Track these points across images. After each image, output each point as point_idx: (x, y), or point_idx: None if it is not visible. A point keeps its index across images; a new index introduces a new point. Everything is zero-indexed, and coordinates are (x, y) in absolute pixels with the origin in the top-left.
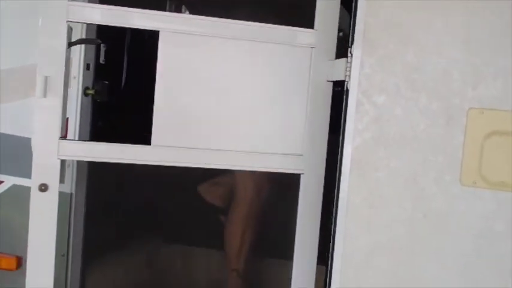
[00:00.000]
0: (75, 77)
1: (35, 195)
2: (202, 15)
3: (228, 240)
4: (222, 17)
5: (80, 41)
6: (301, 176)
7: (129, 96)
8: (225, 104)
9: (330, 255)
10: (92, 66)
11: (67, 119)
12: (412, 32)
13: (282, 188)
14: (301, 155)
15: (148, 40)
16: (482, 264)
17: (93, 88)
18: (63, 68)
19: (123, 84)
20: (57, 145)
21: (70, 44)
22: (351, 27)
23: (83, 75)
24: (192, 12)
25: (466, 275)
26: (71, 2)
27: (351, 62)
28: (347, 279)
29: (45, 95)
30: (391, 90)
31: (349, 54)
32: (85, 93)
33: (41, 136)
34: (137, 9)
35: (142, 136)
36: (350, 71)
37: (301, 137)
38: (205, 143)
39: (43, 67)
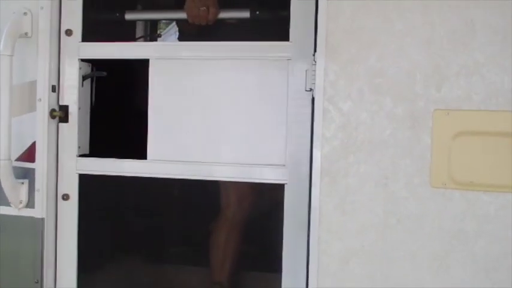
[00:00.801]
0: (40, 99)
1: (60, 203)
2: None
3: (212, 252)
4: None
5: (90, 75)
6: (285, 185)
7: (97, 117)
8: (211, 119)
9: (305, 264)
10: (57, 88)
11: (34, 142)
12: (373, 35)
13: (267, 199)
14: (284, 165)
15: (115, 62)
16: (456, 265)
17: (59, 110)
18: (78, 98)
19: (91, 105)
20: (75, 161)
21: (84, 78)
22: (314, 34)
23: (49, 97)
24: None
25: (441, 276)
26: (81, 43)
27: (315, 70)
28: (324, 287)
29: (67, 121)
30: (356, 95)
31: (313, 62)
32: (51, 116)
33: (63, 154)
34: (130, 43)
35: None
36: (315, 78)
37: (283, 148)
38: (193, 156)
39: (63, 97)
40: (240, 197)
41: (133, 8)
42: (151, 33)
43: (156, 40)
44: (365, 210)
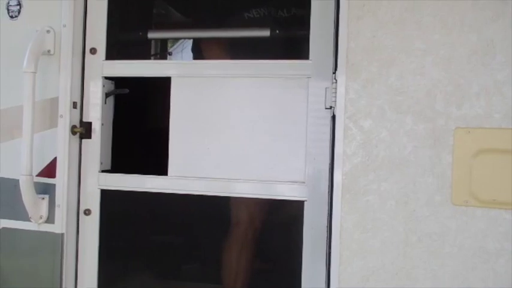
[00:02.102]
0: (62, 116)
1: (82, 218)
2: None
3: (224, 268)
4: None
5: (112, 92)
6: (305, 202)
7: (116, 134)
8: (232, 136)
9: (326, 282)
10: (78, 105)
11: (55, 158)
12: (393, 54)
13: (279, 215)
14: (304, 183)
15: (132, 80)
16: (478, 283)
17: (80, 126)
18: (101, 115)
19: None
20: (97, 177)
21: (107, 95)
22: (334, 53)
23: (70, 114)
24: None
25: None
26: (105, 61)
27: (335, 88)
28: None
29: (89, 137)
30: (377, 113)
31: (333, 80)
32: (72, 132)
33: (86, 170)
34: (153, 61)
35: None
36: (336, 96)
37: (303, 165)
38: (215, 173)
39: (87, 114)
40: (250, 214)
41: (148, 27)
42: (162, 50)
43: (166, 57)
44: (386, 228)
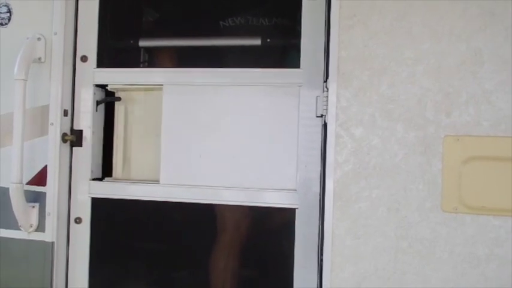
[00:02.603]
0: (52, 124)
1: (72, 226)
2: None
3: (212, 275)
4: None
5: (103, 100)
6: (296, 210)
7: (106, 141)
8: (223, 144)
9: (318, 287)
10: (69, 113)
11: (45, 166)
12: (384, 63)
13: (270, 223)
14: (295, 190)
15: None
16: None
17: (71, 134)
18: (92, 123)
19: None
20: (88, 185)
21: (98, 103)
22: (325, 62)
23: (61, 122)
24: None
25: None
26: (96, 69)
27: (327, 96)
28: None
29: (80, 145)
30: (368, 121)
31: (324, 89)
32: (63, 140)
33: (76, 178)
34: (143, 69)
35: None
36: (327, 104)
37: (294, 172)
38: (206, 180)
39: (78, 122)
40: (240, 222)
41: (139, 35)
42: (150, 57)
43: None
44: (377, 234)
